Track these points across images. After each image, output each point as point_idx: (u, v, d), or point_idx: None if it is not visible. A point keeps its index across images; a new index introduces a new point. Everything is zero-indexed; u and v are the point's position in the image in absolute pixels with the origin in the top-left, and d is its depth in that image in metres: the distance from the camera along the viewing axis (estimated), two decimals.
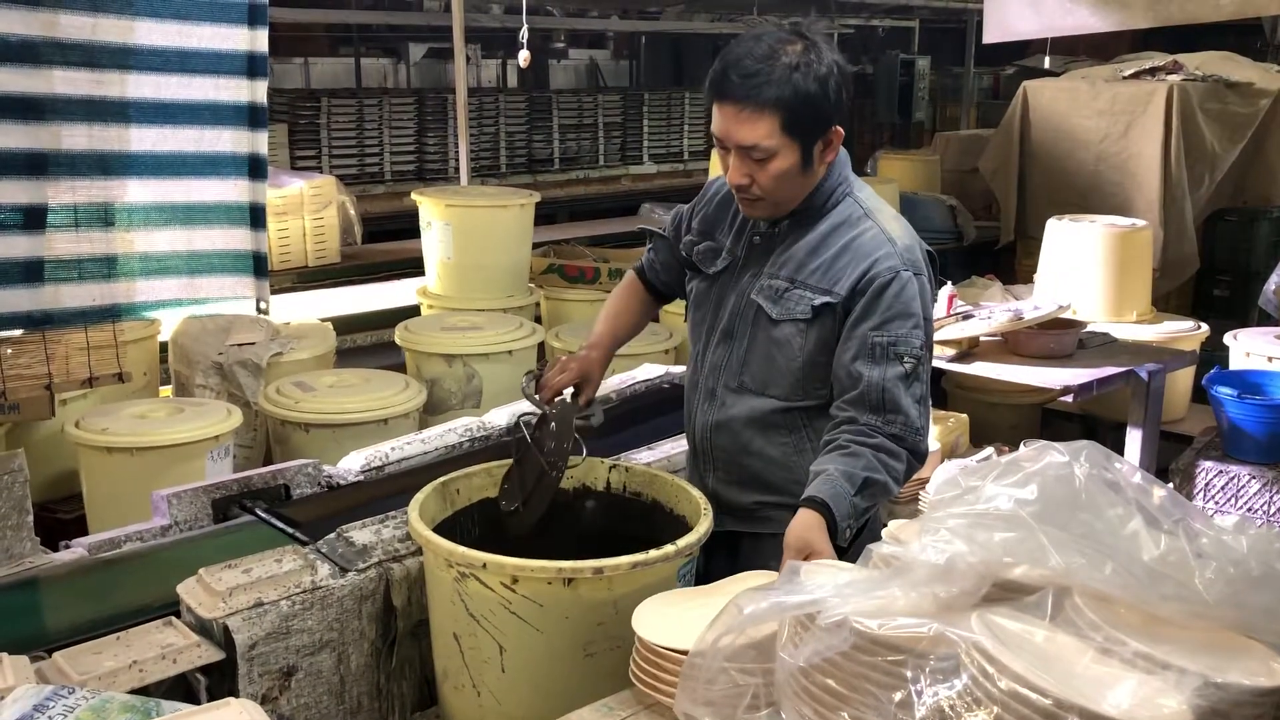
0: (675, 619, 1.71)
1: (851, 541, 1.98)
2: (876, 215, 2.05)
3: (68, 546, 2.40)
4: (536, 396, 2.16)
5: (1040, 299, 4.38)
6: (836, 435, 1.97)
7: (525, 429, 2.16)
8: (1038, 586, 1.36)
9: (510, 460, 2.20)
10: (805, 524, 1.85)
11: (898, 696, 1.27)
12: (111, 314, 2.69)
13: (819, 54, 1.93)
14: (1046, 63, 7.49)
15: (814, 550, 1.81)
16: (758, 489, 2.12)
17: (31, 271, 2.55)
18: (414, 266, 5.34)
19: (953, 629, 1.27)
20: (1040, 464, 1.42)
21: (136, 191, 2.65)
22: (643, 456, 2.74)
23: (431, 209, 4.90)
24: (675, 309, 4.33)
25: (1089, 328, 4.16)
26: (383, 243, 6.37)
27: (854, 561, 1.71)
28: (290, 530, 2.37)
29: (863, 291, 1.97)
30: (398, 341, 4.40)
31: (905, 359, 1.95)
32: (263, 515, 2.48)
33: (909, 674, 1.27)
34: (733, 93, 1.92)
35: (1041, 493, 1.38)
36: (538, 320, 5.10)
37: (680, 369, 3.62)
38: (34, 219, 2.53)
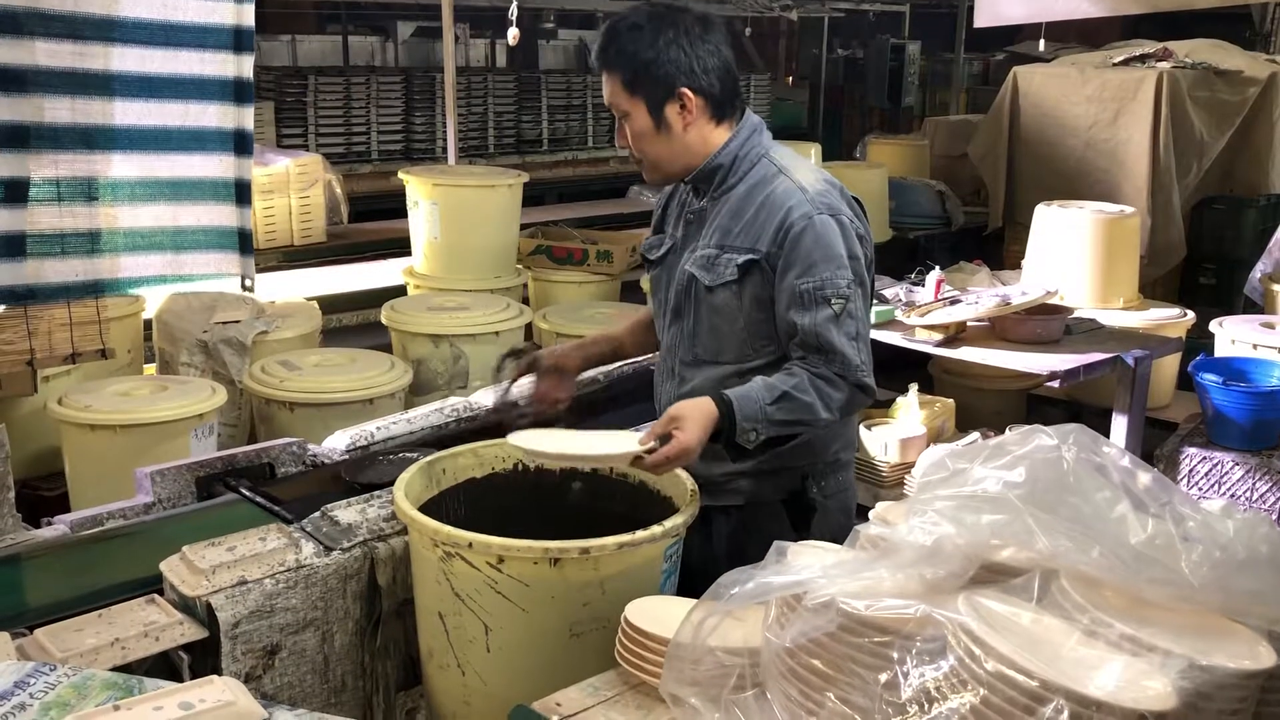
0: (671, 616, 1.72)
1: (810, 511, 2.10)
2: (790, 171, 2.12)
3: (50, 523, 2.39)
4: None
5: (1028, 285, 4.38)
6: (790, 365, 2.07)
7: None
8: (1025, 569, 1.36)
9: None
10: (695, 403, 1.97)
11: (884, 677, 1.27)
12: (95, 290, 2.67)
13: (670, 22, 2.07)
14: (1041, 46, 7.47)
15: (680, 425, 1.92)
16: (718, 458, 2.14)
17: (13, 246, 2.53)
18: (400, 246, 5.31)
19: (939, 610, 1.27)
20: (1029, 447, 1.42)
21: (120, 166, 2.62)
22: None
23: (419, 188, 4.86)
24: None
25: (1076, 314, 4.17)
26: (369, 222, 6.33)
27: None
28: (275, 509, 2.36)
29: (781, 243, 2.05)
30: (384, 321, 4.37)
31: (833, 300, 2.02)
32: (247, 494, 2.46)
33: (895, 655, 1.27)
34: (596, 58, 2.13)
35: (1030, 475, 1.38)
36: (525, 301, 5.07)
37: None
38: (15, 192, 2.50)
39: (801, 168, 2.15)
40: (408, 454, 2.55)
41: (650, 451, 1.92)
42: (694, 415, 1.94)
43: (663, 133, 2.11)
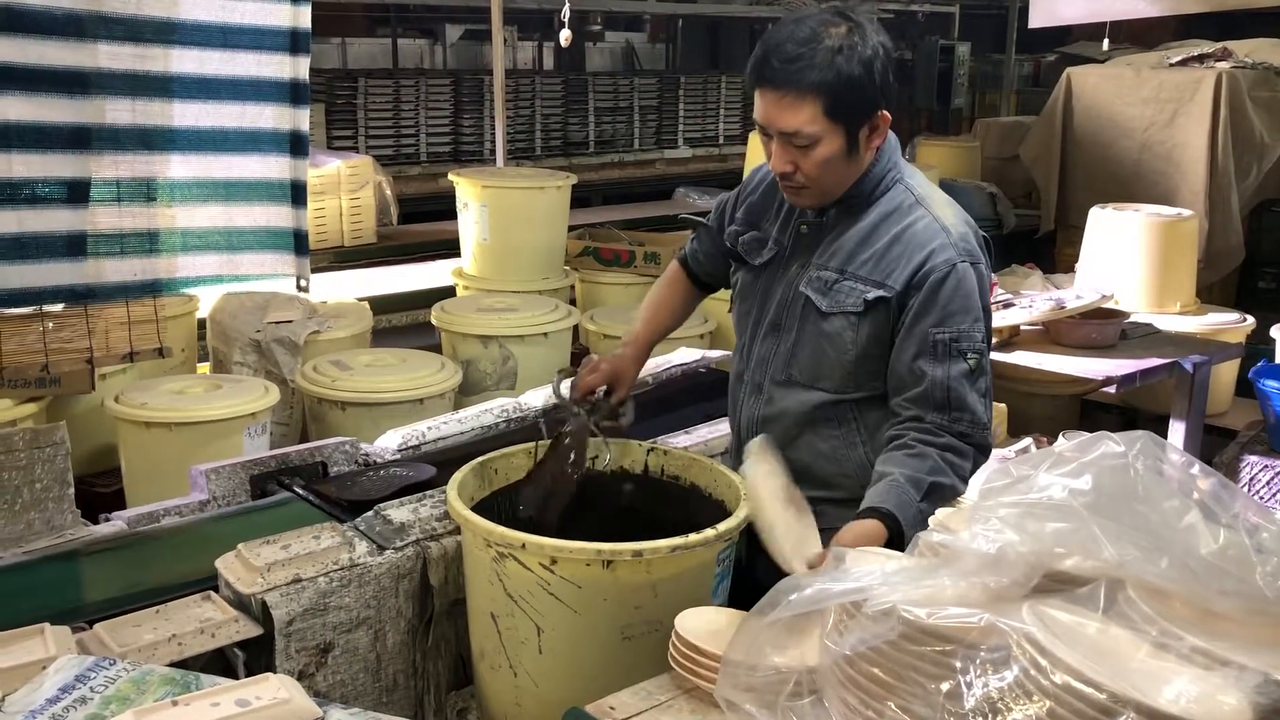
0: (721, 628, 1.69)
1: None
2: (928, 202, 2.00)
3: (108, 519, 2.42)
4: (565, 395, 2.15)
5: (1082, 288, 4.32)
6: (902, 432, 1.93)
7: (548, 431, 2.15)
8: (1090, 578, 1.33)
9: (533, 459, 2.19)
10: (865, 532, 1.81)
11: (946, 687, 1.25)
12: (152, 289, 2.71)
13: (863, 36, 1.89)
14: (1105, 45, 7.36)
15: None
16: (805, 483, 2.09)
17: (74, 245, 2.57)
18: (449, 248, 5.34)
19: (1003, 620, 1.24)
20: (1095, 454, 1.39)
21: (178, 167, 2.66)
22: (679, 441, 2.72)
23: (468, 190, 4.89)
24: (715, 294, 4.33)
25: (1131, 318, 4.11)
26: (418, 224, 6.37)
27: None
28: (328, 507, 2.37)
29: (919, 286, 1.93)
30: (434, 322, 4.40)
31: (969, 355, 1.91)
32: (300, 492, 2.48)
33: (958, 664, 1.25)
34: (773, 78, 1.88)
35: (1096, 483, 1.35)
36: (572, 303, 5.08)
37: (717, 354, 3.60)
38: (77, 193, 2.55)
39: (939, 201, 2.02)
40: (395, 470, 2.52)
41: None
42: (864, 545, 1.77)
43: (851, 157, 1.94)
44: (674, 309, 2.37)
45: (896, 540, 1.81)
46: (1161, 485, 1.36)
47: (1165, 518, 1.33)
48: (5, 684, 1.60)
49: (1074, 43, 10.84)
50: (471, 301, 4.58)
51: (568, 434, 2.12)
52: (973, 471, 1.95)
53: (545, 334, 4.29)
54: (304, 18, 2.71)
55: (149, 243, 2.63)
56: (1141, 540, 1.31)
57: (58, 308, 2.81)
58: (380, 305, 4.82)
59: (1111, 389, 3.64)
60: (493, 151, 6.93)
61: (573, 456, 2.11)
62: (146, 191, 2.61)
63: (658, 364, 3.39)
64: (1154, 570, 1.29)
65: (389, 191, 5.92)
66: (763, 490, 1.90)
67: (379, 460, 2.69)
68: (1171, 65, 5.78)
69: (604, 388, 2.18)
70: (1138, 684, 1.15)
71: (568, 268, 5.16)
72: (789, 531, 1.85)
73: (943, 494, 1.88)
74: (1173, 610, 1.28)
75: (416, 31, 10.09)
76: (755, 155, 6.04)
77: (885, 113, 1.94)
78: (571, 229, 5.31)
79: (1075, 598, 1.31)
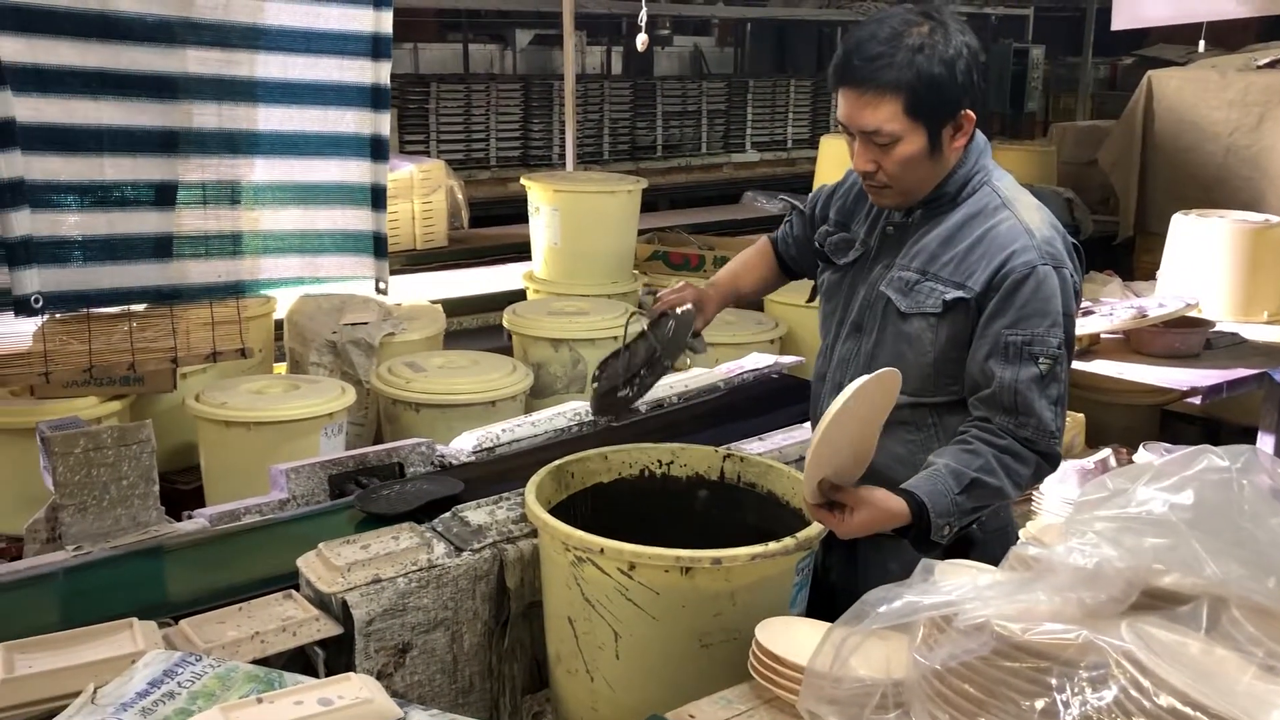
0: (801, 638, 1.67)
1: (969, 545, 1.93)
2: (1014, 205, 1.96)
3: (190, 517, 2.46)
4: (653, 306, 2.19)
5: (1165, 296, 4.22)
6: (967, 429, 1.91)
7: (641, 317, 2.19)
8: (1191, 596, 1.29)
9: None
10: (881, 505, 1.80)
11: (1041, 705, 1.22)
12: (235, 290, 2.75)
13: (946, 35, 1.88)
14: (1201, 47, 7.14)
15: (860, 511, 1.79)
16: (881, 487, 2.06)
17: (161, 247, 2.62)
18: (518, 251, 5.37)
19: (1102, 637, 1.21)
20: (1197, 468, 1.34)
21: (262, 170, 2.69)
22: (753, 447, 2.70)
23: (540, 194, 4.91)
24: (781, 298, 4.31)
25: (1216, 327, 4.00)
26: (488, 227, 6.42)
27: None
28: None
29: (998, 287, 1.89)
30: (506, 325, 4.42)
31: (1041, 360, 1.87)
32: None
33: (1054, 682, 1.22)
34: (854, 77, 1.88)
35: (1198, 499, 1.31)
36: (641, 307, 5.08)
37: (789, 359, 3.58)
38: (165, 195, 2.59)
39: (1026, 204, 1.97)
40: (422, 484, 2.50)
41: (827, 504, 1.80)
42: (877, 516, 1.79)
43: (933, 157, 1.92)
44: (759, 277, 2.39)
45: (922, 526, 1.81)
46: (1268, 502, 1.32)
47: (1273, 535, 1.29)
48: (96, 676, 1.63)
49: (1151, 45, 10.61)
50: (542, 305, 4.61)
51: (674, 316, 2.13)
52: (1035, 480, 1.92)
53: (615, 338, 4.28)
54: (386, 23, 2.73)
55: (233, 245, 2.67)
56: (1246, 558, 1.27)
57: (142, 307, 2.87)
58: (452, 308, 4.86)
59: (1196, 400, 3.54)
60: (561, 156, 6.96)
61: (673, 335, 2.12)
62: (231, 194, 2.65)
63: (729, 369, 3.38)
64: (1260, 589, 1.25)
65: (460, 195, 5.98)
66: (840, 407, 1.70)
67: (453, 463, 2.70)
68: (1259, 67, 5.63)
69: (686, 308, 2.20)
70: (1246, 708, 1.11)
71: (637, 271, 5.17)
72: (832, 458, 1.76)
73: (987, 493, 1.85)
74: None
75: (487, 37, 10.19)
76: (825, 159, 5.99)
77: (970, 112, 1.92)
78: (640, 233, 5.31)
79: (1176, 616, 1.27)
